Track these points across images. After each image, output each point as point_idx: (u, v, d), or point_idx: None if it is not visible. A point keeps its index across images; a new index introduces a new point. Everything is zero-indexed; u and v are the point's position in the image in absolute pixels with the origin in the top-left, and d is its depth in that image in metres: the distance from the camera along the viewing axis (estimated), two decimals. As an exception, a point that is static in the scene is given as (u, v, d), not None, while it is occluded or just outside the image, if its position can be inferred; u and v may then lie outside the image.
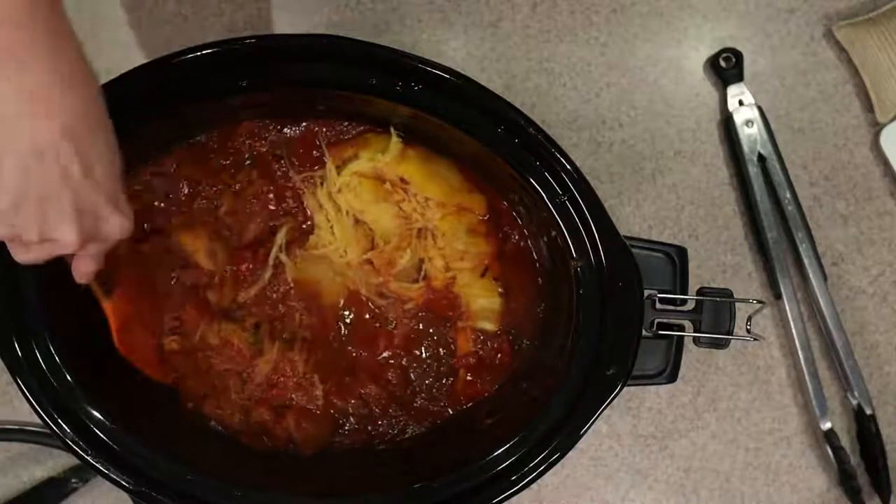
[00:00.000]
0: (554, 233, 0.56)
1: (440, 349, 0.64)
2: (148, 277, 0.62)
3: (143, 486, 0.55)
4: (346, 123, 0.62)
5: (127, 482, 0.55)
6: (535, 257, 0.64)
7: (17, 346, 0.54)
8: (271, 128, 0.62)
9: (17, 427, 0.67)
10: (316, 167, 0.62)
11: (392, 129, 0.61)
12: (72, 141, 0.41)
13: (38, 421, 0.55)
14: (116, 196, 0.45)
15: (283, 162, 0.62)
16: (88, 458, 0.55)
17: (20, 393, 0.54)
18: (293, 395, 0.63)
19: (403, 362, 0.64)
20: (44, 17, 0.39)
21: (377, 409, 0.64)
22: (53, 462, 0.69)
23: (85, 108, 0.42)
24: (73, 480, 0.68)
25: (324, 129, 0.62)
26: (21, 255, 0.46)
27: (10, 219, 0.42)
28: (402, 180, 0.62)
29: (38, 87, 0.40)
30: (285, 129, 0.62)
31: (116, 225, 0.46)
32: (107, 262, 0.50)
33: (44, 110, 0.40)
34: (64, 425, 0.55)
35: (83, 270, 0.49)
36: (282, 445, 0.62)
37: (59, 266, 0.49)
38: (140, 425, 0.57)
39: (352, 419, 0.64)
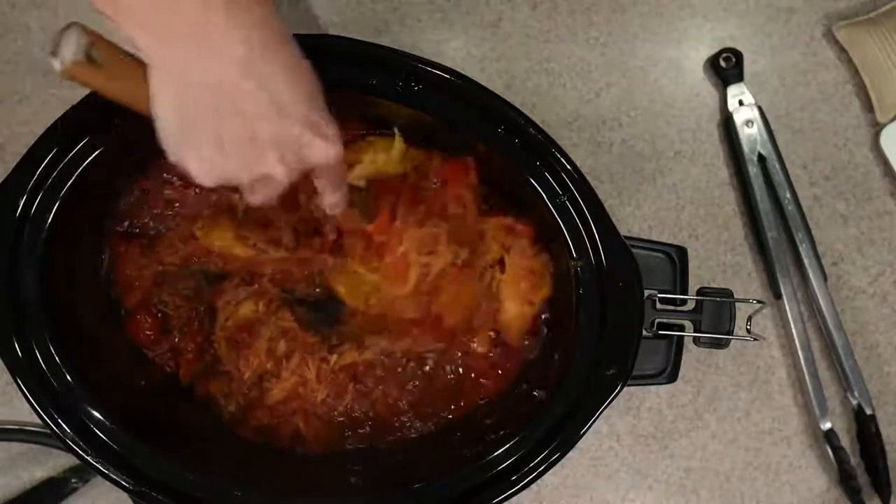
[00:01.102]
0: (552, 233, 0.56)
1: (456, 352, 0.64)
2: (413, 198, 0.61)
3: (143, 486, 0.55)
4: (350, 128, 0.62)
5: (127, 482, 0.55)
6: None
7: (17, 346, 0.54)
8: None
9: (17, 427, 0.67)
10: None
11: (395, 130, 0.61)
12: (248, 74, 0.40)
13: (38, 421, 0.55)
14: (313, 120, 0.43)
15: None
16: (88, 458, 0.55)
17: (20, 393, 0.54)
18: (307, 398, 0.63)
19: (412, 364, 0.64)
20: None
21: (384, 410, 0.64)
22: (53, 462, 0.69)
23: (259, 32, 0.40)
24: (73, 480, 0.68)
25: None
26: (248, 197, 0.46)
27: (218, 165, 0.42)
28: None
29: (201, 25, 0.38)
30: None
31: (321, 150, 0.43)
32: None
33: (211, 49, 0.39)
34: (64, 425, 0.55)
35: (328, 202, 0.49)
36: (288, 445, 0.62)
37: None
38: (140, 425, 0.57)
39: (362, 419, 0.64)
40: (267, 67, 0.41)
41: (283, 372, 0.62)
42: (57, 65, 0.36)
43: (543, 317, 0.63)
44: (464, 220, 0.61)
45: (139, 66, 0.40)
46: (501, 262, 0.62)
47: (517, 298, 0.62)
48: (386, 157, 0.61)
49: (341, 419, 0.63)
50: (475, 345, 0.63)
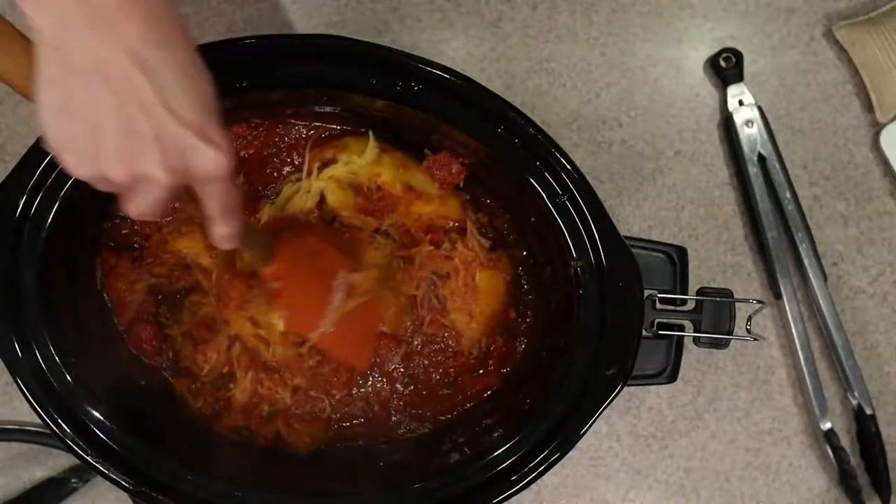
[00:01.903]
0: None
1: (447, 345, 0.64)
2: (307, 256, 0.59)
3: (143, 486, 0.55)
4: (333, 125, 0.62)
5: (127, 482, 0.55)
6: (523, 259, 0.64)
7: (17, 346, 0.54)
8: (261, 129, 0.62)
9: (17, 427, 0.67)
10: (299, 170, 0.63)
11: (370, 133, 0.61)
12: (142, 67, 0.37)
13: (38, 421, 0.55)
14: (205, 126, 0.40)
15: (275, 161, 0.62)
16: (88, 458, 0.55)
17: (20, 393, 0.54)
18: (287, 397, 0.63)
19: (407, 363, 0.64)
20: None
21: (379, 409, 0.64)
22: (53, 462, 0.69)
23: (158, 28, 0.38)
24: (73, 480, 0.68)
25: (309, 132, 0.62)
26: (126, 206, 0.42)
27: (91, 154, 0.39)
28: (379, 187, 0.62)
29: (97, 6, 0.36)
30: (277, 129, 0.62)
31: (208, 159, 0.40)
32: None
33: (106, 32, 0.37)
34: (64, 425, 0.55)
35: (217, 235, 0.45)
36: (272, 446, 0.62)
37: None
38: (140, 425, 0.57)
39: (353, 419, 0.64)
40: (161, 59, 0.38)
41: (238, 372, 0.62)
42: None
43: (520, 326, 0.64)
44: (388, 267, 0.62)
45: (27, 45, 0.40)
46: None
47: (461, 311, 0.62)
48: (360, 159, 0.61)
49: (328, 420, 0.63)
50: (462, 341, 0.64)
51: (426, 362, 0.64)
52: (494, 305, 0.63)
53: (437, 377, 0.64)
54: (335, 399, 0.63)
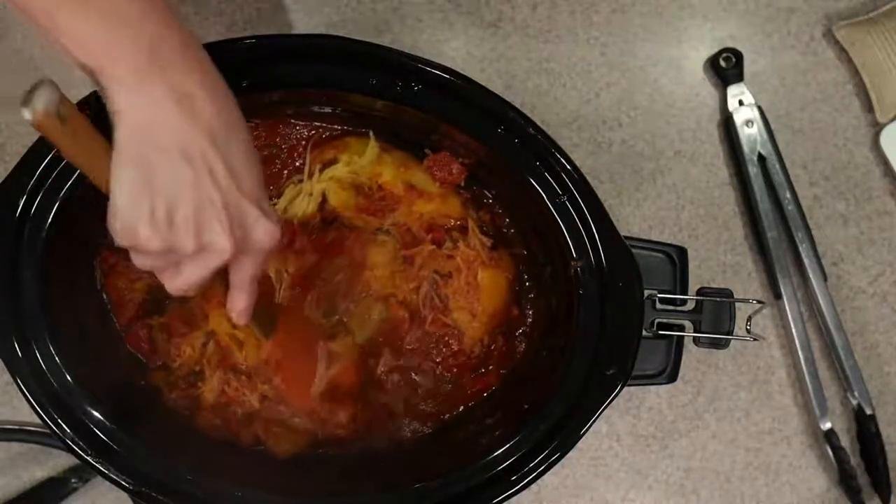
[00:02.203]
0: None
1: (448, 343, 0.64)
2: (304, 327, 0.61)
3: (143, 486, 0.55)
4: (334, 126, 0.62)
5: (127, 482, 0.55)
6: (523, 256, 0.64)
7: (17, 346, 0.54)
8: (261, 130, 0.62)
9: (17, 427, 0.67)
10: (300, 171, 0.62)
11: (371, 133, 0.61)
12: (215, 144, 0.41)
13: (38, 421, 0.55)
14: (261, 201, 0.44)
15: (276, 161, 0.62)
16: (88, 458, 0.55)
17: (20, 393, 0.54)
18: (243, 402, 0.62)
19: (407, 365, 0.64)
20: (176, 25, 0.41)
21: (379, 410, 0.64)
22: (53, 462, 0.69)
23: (227, 112, 0.43)
24: (73, 480, 0.68)
25: (310, 132, 0.62)
26: (174, 280, 0.45)
27: (165, 228, 0.41)
28: (380, 187, 0.62)
29: (183, 91, 0.40)
30: (278, 129, 0.62)
31: (267, 230, 0.44)
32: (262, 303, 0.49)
33: (189, 113, 0.40)
34: (64, 425, 0.55)
35: (239, 307, 0.48)
36: (253, 447, 0.62)
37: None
38: (140, 425, 0.57)
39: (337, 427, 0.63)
40: (229, 137, 0.42)
41: (207, 370, 0.62)
42: (27, 114, 0.38)
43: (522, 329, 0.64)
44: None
45: (103, 141, 0.42)
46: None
47: (464, 310, 0.62)
48: (360, 158, 0.61)
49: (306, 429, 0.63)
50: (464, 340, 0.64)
51: (427, 362, 0.64)
52: (497, 304, 0.63)
53: (439, 376, 0.64)
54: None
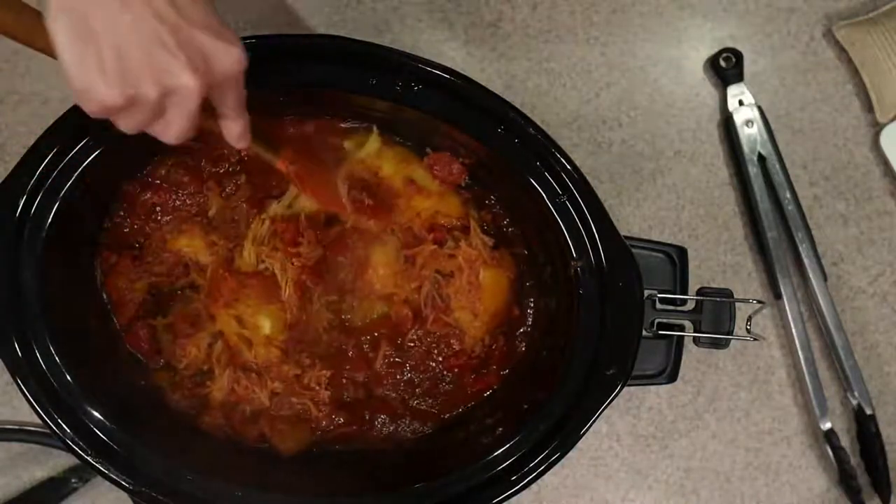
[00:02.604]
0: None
1: (449, 343, 0.64)
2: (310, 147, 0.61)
3: (143, 486, 0.55)
4: (336, 125, 0.62)
5: (127, 482, 0.55)
6: (523, 256, 0.64)
7: (17, 346, 0.54)
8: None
9: (17, 427, 0.67)
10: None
11: (374, 127, 0.61)
12: None
13: (38, 421, 0.55)
14: (215, 25, 0.41)
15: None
16: (88, 458, 0.55)
17: (20, 393, 0.54)
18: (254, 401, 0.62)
19: (407, 364, 0.64)
20: None
21: (380, 409, 0.64)
22: (53, 462, 0.69)
23: None
24: (73, 480, 0.68)
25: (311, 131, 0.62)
26: (166, 132, 0.43)
27: (120, 79, 0.39)
28: (379, 179, 0.62)
29: None
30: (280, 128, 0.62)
31: (228, 54, 0.42)
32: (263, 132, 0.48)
33: None
34: (64, 425, 0.55)
35: (235, 133, 0.47)
36: (257, 446, 0.62)
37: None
38: (140, 425, 0.57)
39: (342, 424, 0.64)
40: None
41: (217, 369, 0.62)
42: None
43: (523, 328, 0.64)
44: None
45: (34, 10, 0.41)
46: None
47: (465, 309, 0.63)
48: (361, 151, 0.61)
49: (313, 425, 0.63)
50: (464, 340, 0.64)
51: (428, 361, 0.64)
52: (498, 303, 0.63)
53: (439, 376, 0.64)
54: (319, 407, 0.63)
